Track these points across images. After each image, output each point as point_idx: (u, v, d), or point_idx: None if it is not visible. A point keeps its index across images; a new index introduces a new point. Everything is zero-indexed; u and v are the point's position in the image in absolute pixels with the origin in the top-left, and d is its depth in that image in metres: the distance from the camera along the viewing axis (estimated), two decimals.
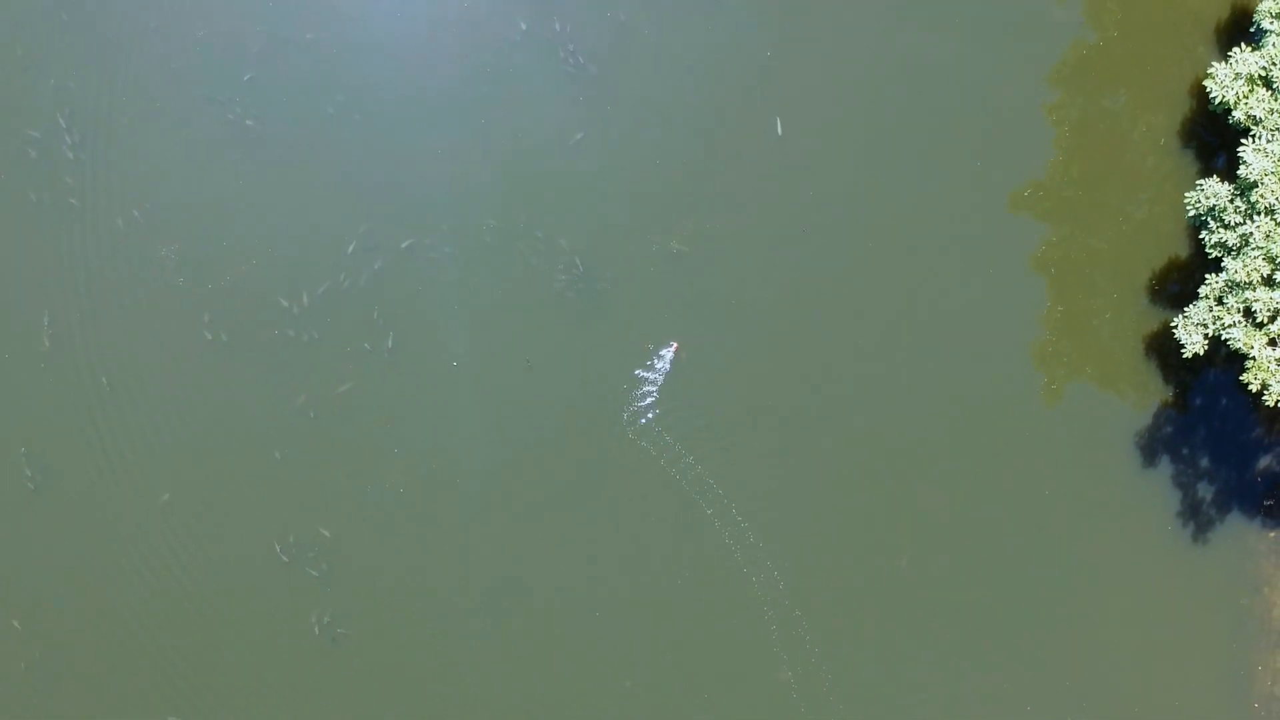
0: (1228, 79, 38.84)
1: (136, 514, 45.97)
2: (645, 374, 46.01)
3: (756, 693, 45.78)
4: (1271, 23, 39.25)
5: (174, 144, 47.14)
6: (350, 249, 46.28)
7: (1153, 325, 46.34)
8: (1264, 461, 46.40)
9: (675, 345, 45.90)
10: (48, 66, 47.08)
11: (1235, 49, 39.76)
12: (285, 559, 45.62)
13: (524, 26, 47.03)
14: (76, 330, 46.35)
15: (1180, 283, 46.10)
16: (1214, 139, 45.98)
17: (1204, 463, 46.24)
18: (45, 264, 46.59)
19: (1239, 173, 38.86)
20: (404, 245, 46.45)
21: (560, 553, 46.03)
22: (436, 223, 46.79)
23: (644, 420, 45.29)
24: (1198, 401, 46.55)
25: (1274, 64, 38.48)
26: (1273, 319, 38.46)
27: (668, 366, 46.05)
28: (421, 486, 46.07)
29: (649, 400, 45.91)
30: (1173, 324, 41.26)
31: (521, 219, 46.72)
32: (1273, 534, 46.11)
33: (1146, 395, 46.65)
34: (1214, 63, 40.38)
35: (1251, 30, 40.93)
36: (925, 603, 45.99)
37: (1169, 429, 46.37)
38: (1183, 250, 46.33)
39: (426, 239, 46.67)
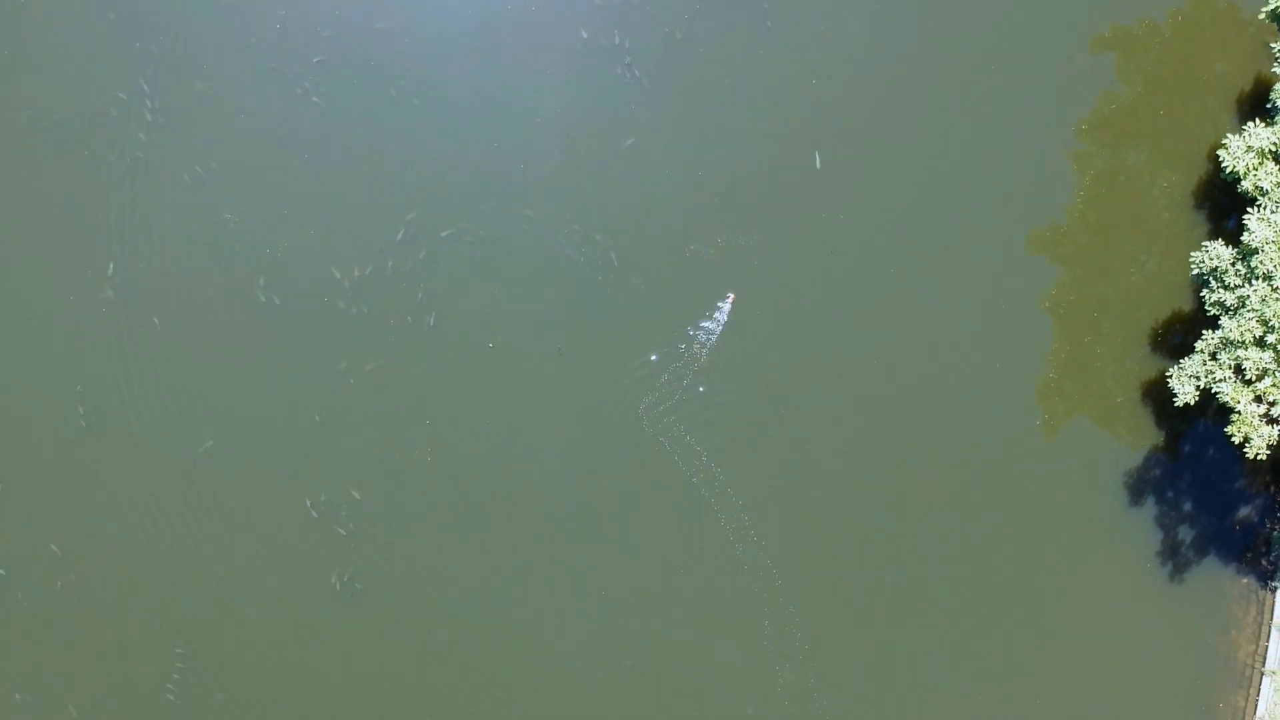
0: (1240, 150, 41.04)
1: (179, 458, 48.53)
2: (704, 324, 48.12)
3: (745, 680, 48.11)
4: None
5: (244, 114, 49.48)
6: (399, 236, 48.60)
7: (1152, 372, 48.49)
8: (1244, 511, 48.58)
9: (732, 297, 48.03)
10: (134, 30, 49.49)
11: (1250, 123, 41.92)
12: (315, 515, 48.11)
13: (585, 35, 49.27)
14: (138, 282, 48.83)
15: (1182, 334, 48.18)
16: (1228, 201, 47.92)
17: (1187, 507, 48.46)
18: (115, 218, 49.00)
19: (1242, 239, 41.09)
20: (444, 235, 48.69)
21: (572, 534, 48.38)
22: (482, 211, 49.00)
23: (696, 372, 47.25)
24: (1187, 448, 48.73)
25: None
26: (1260, 377, 40.65)
27: (725, 317, 48.14)
28: (448, 458, 48.43)
29: (706, 349, 47.95)
30: (1168, 373, 43.34)
31: (566, 215, 48.97)
32: (1246, 580, 48.34)
33: (1139, 438, 48.82)
34: (1229, 134, 42.51)
35: (1268, 106, 43.00)
36: (910, 613, 48.25)
37: (1157, 472, 48.57)
38: (1187, 304, 48.45)
39: (469, 225, 48.78)
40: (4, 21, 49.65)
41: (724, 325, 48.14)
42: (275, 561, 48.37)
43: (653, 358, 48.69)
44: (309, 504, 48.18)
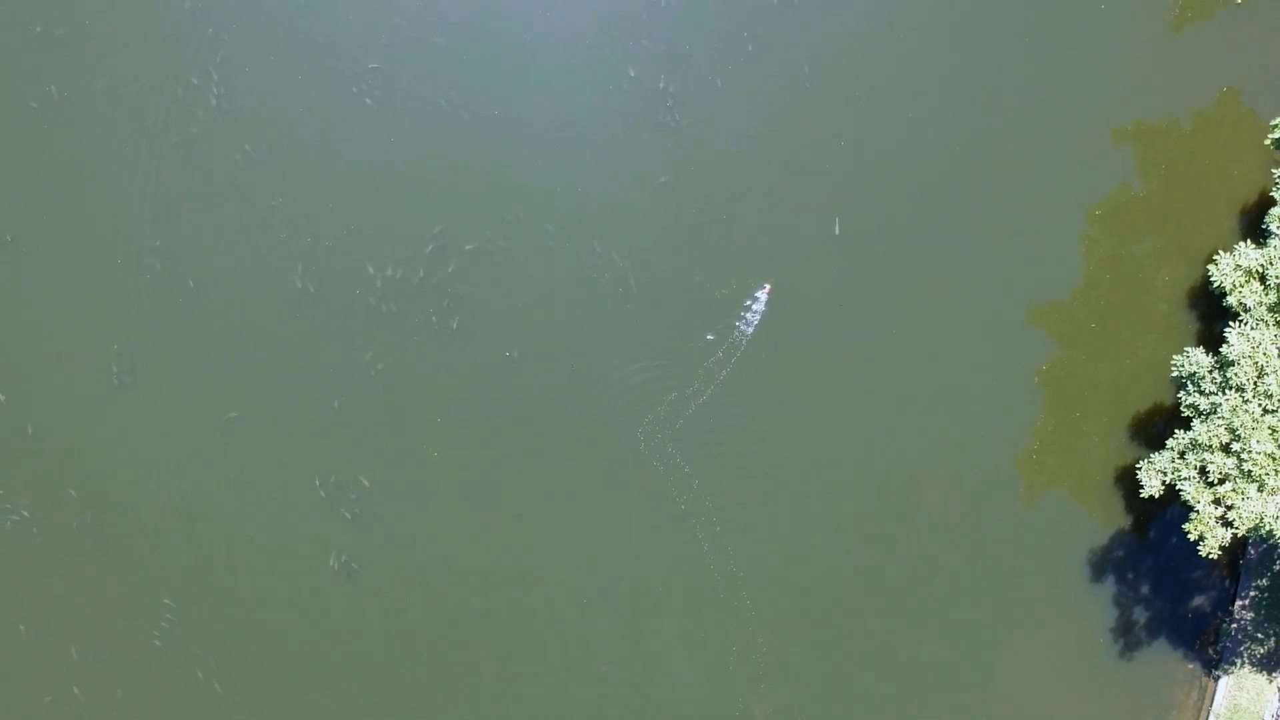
0: (1229, 268, 43.26)
1: (202, 424, 50.98)
2: (742, 312, 50.33)
3: (706, 700, 50.51)
4: (1279, 227, 43.54)
5: (301, 107, 51.78)
6: (429, 249, 50.86)
7: (1130, 456, 50.30)
8: (1198, 600, 50.74)
9: (768, 287, 50.11)
10: (209, 16, 51.84)
11: (1242, 242, 44.11)
12: (323, 495, 50.55)
13: (632, 74, 51.48)
14: (184, 255, 51.21)
15: (1164, 423, 49.95)
16: (1224, 303, 49.90)
17: (1145, 589, 50.65)
18: (170, 192, 51.35)
19: (1221, 349, 43.27)
20: (469, 248, 50.91)
21: (563, 543, 50.77)
22: (510, 224, 51.09)
23: (738, 355, 49.46)
24: (1152, 534, 50.88)
25: (1271, 263, 42.87)
26: (1222, 481, 42.87)
27: (762, 307, 50.26)
28: (455, 456, 50.80)
29: (745, 336, 50.14)
30: (1139, 465, 45.55)
31: (593, 241, 51.12)
32: (1191, 665, 50.58)
33: (1110, 517, 50.90)
34: (1219, 251, 44.68)
35: (1262, 226, 45.14)
36: (869, 659, 50.62)
37: (1121, 553, 50.74)
38: (1172, 396, 49.89)
39: (493, 236, 50.86)
40: None
41: (761, 315, 50.01)
42: (277, 534, 50.72)
43: (659, 384, 50.97)
44: (318, 484, 50.59)
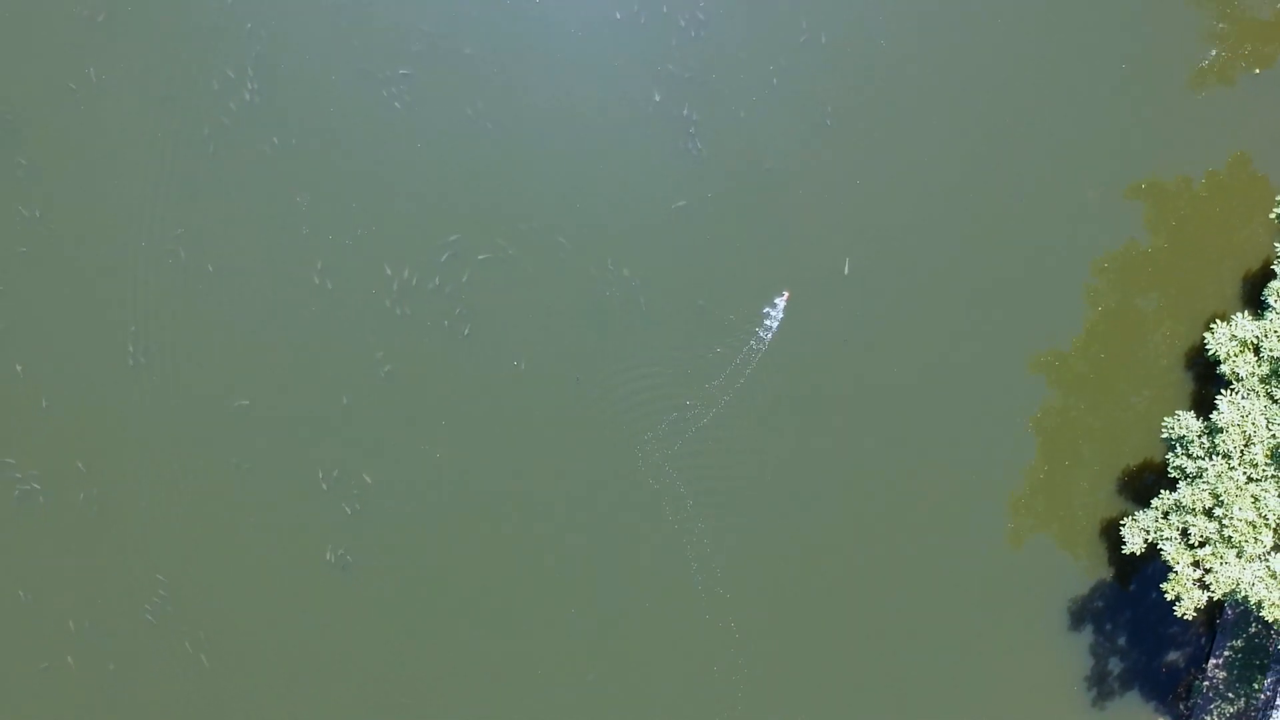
0: (1225, 338, 44.10)
1: (212, 409, 51.91)
2: (762, 319, 51.16)
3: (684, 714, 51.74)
4: (1276, 301, 44.40)
5: (332, 107, 52.64)
6: (444, 258, 51.79)
7: (1118, 508, 51.30)
8: (1173, 656, 51.58)
9: (787, 294, 51.00)
10: (248, 13, 52.83)
11: (1239, 314, 44.93)
12: (325, 488, 51.53)
13: (658, 98, 52.29)
14: (205, 245, 52.17)
15: (1154, 478, 50.89)
16: (1219, 370, 50.57)
17: (1121, 641, 51.52)
18: (199, 181, 52.30)
19: (1212, 416, 44.14)
20: (482, 257, 51.81)
21: (555, 550, 51.74)
22: (523, 233, 51.97)
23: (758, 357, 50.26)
24: (1133, 587, 51.69)
25: (1265, 335, 43.70)
26: (1202, 545, 43.75)
27: (780, 314, 51.18)
28: (457, 459, 51.73)
29: (762, 342, 50.97)
30: (1122, 521, 46.44)
31: (608, 259, 52.04)
32: (1161, 719, 51.51)
33: (1093, 567, 51.72)
34: (1216, 320, 45.51)
35: (1261, 297, 45.97)
36: (849, 687, 51.57)
37: (1101, 603, 51.59)
38: (1162, 453, 50.55)
39: (506, 245, 51.74)
40: None
41: (779, 321, 50.86)
42: (276, 522, 51.67)
43: (660, 400, 51.84)
44: (321, 476, 51.57)
